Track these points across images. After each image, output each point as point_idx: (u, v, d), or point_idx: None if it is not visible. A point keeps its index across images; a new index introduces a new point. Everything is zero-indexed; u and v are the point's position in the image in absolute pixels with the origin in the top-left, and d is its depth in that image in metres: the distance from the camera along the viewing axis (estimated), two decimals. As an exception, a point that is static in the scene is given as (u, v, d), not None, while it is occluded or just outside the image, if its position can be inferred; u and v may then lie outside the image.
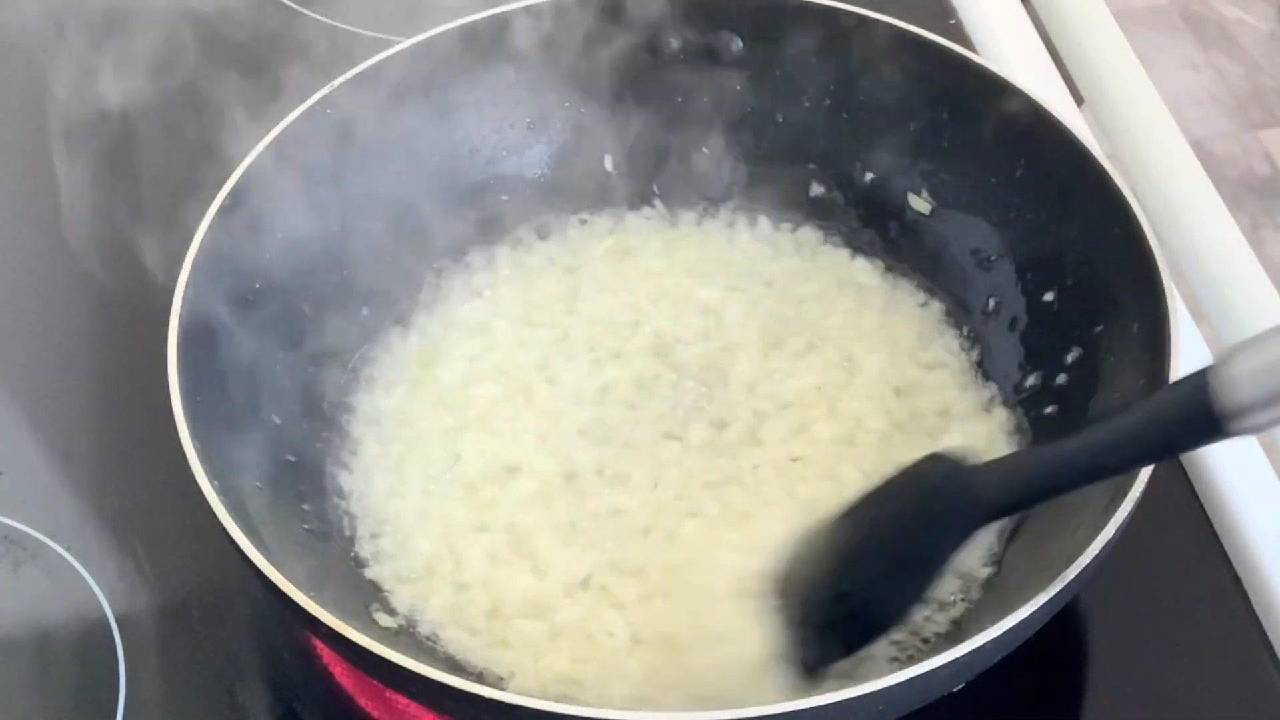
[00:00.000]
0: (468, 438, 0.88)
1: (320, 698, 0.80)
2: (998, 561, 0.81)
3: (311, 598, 0.68)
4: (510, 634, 0.79)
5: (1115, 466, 0.69)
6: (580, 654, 0.79)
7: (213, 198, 0.83)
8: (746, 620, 0.75)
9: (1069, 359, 0.86)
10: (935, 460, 0.72)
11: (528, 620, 0.80)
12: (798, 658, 0.73)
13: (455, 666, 0.77)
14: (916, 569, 0.71)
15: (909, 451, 0.75)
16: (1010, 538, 0.81)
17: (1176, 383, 0.65)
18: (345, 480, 0.85)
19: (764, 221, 0.99)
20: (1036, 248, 0.90)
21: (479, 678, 0.77)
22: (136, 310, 0.93)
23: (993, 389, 0.89)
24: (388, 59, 0.91)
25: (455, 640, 0.79)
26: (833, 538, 0.73)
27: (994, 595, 0.78)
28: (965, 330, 0.92)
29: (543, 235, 0.98)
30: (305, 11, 1.13)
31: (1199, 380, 0.62)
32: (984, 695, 0.73)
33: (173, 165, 0.98)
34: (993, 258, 0.92)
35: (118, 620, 0.82)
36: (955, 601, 0.79)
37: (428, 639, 0.79)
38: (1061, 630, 0.77)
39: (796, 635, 0.73)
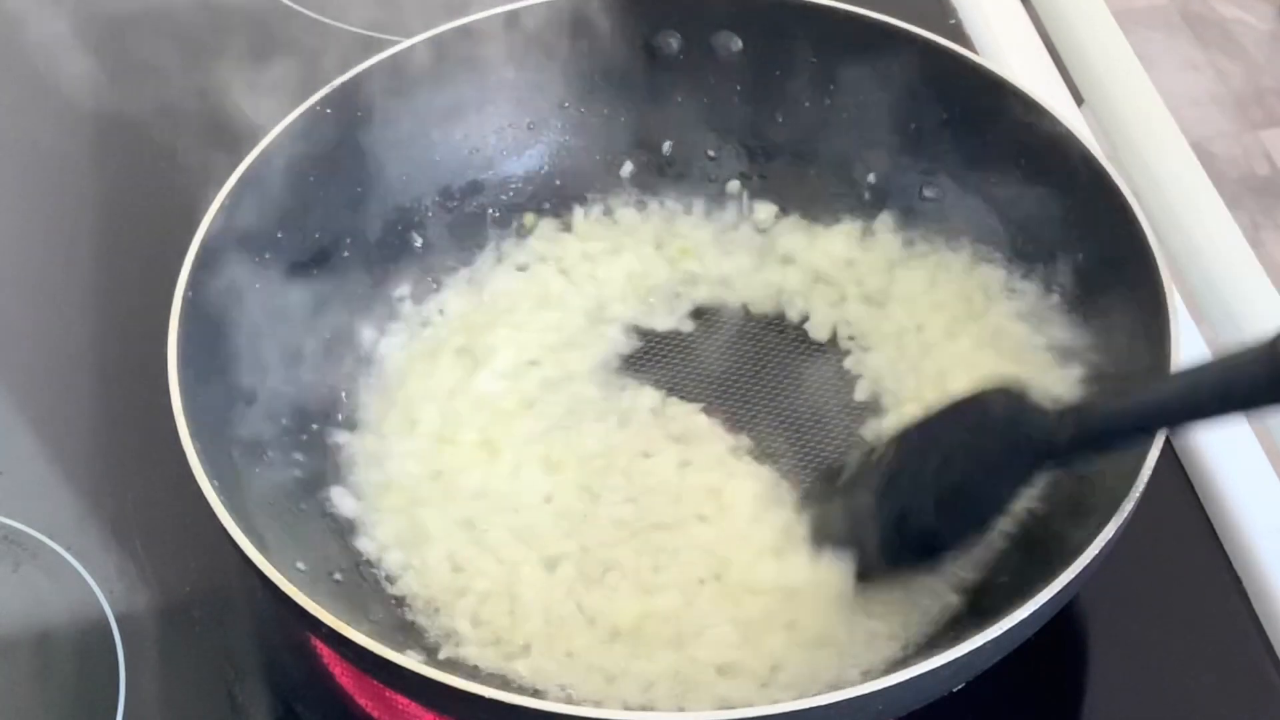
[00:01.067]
0: (467, 439, 0.88)
1: (320, 698, 0.79)
2: (997, 563, 0.81)
3: (311, 597, 0.68)
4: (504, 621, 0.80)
5: (1177, 420, 0.70)
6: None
7: (212, 197, 0.83)
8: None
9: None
10: (1003, 393, 0.72)
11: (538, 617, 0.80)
12: (850, 564, 0.76)
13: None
14: (980, 502, 0.72)
15: None
16: (1013, 535, 0.81)
17: (1249, 346, 0.65)
18: (343, 482, 0.85)
19: (764, 221, 0.98)
20: (1037, 248, 0.90)
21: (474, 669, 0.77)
22: (136, 310, 0.93)
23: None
24: (388, 59, 0.91)
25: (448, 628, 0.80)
26: (897, 455, 0.74)
27: (994, 595, 0.78)
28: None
29: (543, 234, 0.98)
30: (305, 11, 1.13)
31: (1272, 345, 0.62)
32: (984, 695, 0.73)
33: (172, 166, 0.98)
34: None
35: (118, 620, 0.82)
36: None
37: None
38: (1061, 630, 0.77)
39: (850, 542, 0.75)
